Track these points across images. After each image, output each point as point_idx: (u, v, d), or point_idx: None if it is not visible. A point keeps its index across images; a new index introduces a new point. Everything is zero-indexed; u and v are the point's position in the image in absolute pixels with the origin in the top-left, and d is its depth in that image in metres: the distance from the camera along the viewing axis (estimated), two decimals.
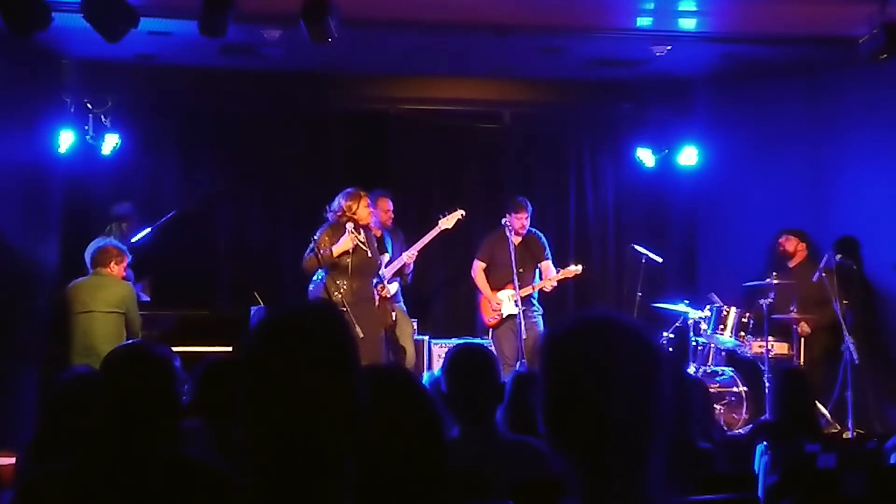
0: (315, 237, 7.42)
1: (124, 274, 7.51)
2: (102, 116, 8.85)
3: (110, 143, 8.88)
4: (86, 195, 8.87)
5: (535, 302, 8.45)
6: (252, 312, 7.84)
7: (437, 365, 8.24)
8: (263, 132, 9.63)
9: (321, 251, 7.35)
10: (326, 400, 1.60)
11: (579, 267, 8.50)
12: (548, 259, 8.53)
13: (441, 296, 9.88)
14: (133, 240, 8.40)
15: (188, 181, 9.47)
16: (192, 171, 9.54)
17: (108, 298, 7.19)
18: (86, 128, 8.77)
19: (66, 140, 8.46)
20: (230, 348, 7.41)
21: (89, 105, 8.77)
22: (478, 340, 8.48)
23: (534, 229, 8.53)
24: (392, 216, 8.47)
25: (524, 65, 8.86)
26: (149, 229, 8.58)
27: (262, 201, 9.67)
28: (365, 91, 9.42)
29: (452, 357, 3.42)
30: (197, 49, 7.74)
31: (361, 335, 7.40)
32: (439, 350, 8.73)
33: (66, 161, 8.48)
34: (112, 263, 7.30)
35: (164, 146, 9.46)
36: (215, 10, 6.33)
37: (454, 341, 8.62)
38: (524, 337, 7.99)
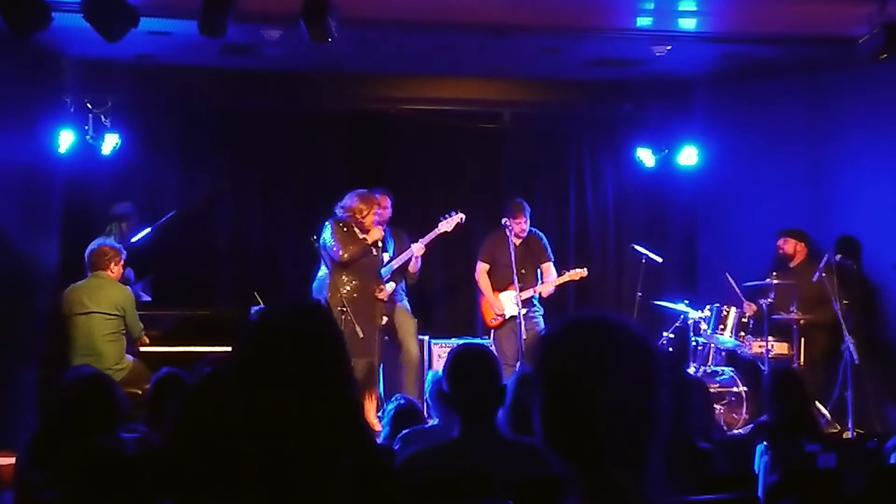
0: (330, 232, 7.68)
1: (122, 273, 7.53)
2: (102, 116, 8.84)
3: (110, 143, 8.87)
4: (86, 195, 8.86)
5: (535, 302, 8.46)
6: (252, 312, 7.85)
7: (438, 365, 8.25)
8: (263, 132, 9.63)
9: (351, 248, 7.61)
10: (318, 400, 1.60)
11: (584, 270, 8.51)
12: (550, 260, 8.55)
13: (441, 296, 9.88)
14: (133, 240, 8.40)
15: (188, 181, 9.47)
16: (192, 171, 9.53)
17: (106, 300, 7.22)
18: (86, 128, 8.77)
19: (66, 140, 8.45)
20: (230, 348, 7.41)
21: (89, 105, 8.77)
22: (479, 340, 8.49)
23: (534, 229, 8.54)
24: (389, 214, 8.48)
25: (524, 65, 8.85)
26: (149, 229, 8.58)
27: (262, 201, 9.67)
28: (365, 91, 9.41)
29: (454, 357, 3.43)
30: (197, 49, 7.74)
31: (361, 335, 7.49)
32: (440, 350, 8.72)
33: (66, 161, 8.47)
34: (111, 265, 7.33)
35: (164, 146, 9.45)
36: (215, 10, 6.32)
37: (454, 341, 8.63)
38: (524, 337, 8.01)
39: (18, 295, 7.48)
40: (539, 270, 8.54)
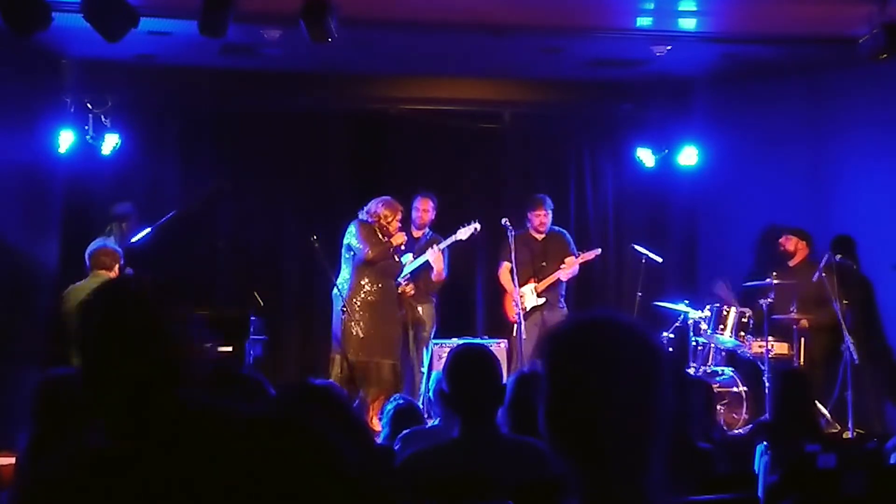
0: (355, 232, 7.80)
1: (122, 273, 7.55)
2: (102, 116, 8.84)
3: (110, 143, 8.87)
4: (86, 195, 8.85)
5: (561, 295, 8.61)
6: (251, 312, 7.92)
7: (438, 365, 8.25)
8: (263, 132, 9.62)
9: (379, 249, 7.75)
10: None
11: (598, 249, 8.72)
12: (574, 255, 8.66)
13: (441, 296, 9.87)
14: (133, 240, 8.40)
15: (188, 181, 9.46)
16: (192, 171, 9.52)
17: None
18: (86, 128, 8.76)
19: (66, 140, 8.46)
20: (230, 348, 7.43)
21: (89, 105, 8.76)
22: (479, 340, 8.51)
23: (557, 227, 8.72)
24: (432, 217, 8.50)
25: (524, 65, 8.86)
26: (149, 229, 8.57)
27: (262, 201, 9.66)
28: (365, 91, 9.41)
29: (454, 357, 3.43)
30: (197, 49, 7.74)
31: (361, 335, 7.58)
32: (440, 350, 8.72)
33: (66, 161, 8.48)
34: (116, 267, 7.36)
35: (164, 146, 9.44)
36: (215, 10, 6.33)
37: (455, 341, 8.64)
38: (524, 337, 8.09)
39: (18, 295, 7.48)
40: (563, 265, 8.65)
